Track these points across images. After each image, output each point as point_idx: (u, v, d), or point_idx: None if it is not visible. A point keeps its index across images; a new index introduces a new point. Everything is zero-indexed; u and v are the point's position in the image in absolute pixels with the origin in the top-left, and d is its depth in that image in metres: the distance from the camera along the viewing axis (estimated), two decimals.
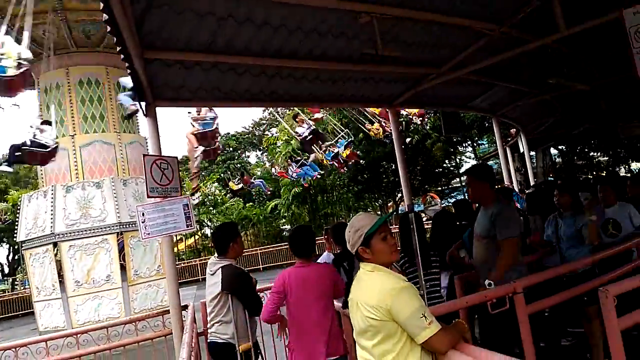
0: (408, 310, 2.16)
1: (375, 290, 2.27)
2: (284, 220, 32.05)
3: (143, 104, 4.72)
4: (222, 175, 34.23)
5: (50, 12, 11.50)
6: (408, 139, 24.76)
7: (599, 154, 24.80)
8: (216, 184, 34.96)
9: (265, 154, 21.64)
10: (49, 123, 10.26)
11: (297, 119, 16.56)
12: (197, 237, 32.50)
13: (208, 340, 4.38)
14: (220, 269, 4.15)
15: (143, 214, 4.62)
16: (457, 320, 2.49)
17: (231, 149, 41.75)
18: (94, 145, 13.11)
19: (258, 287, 5.38)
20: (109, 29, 3.18)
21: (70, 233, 12.15)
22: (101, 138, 13.23)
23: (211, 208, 32.69)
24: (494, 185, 4.36)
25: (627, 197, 5.80)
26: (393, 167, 24.19)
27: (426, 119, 22.33)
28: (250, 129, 44.77)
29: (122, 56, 3.64)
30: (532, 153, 16.47)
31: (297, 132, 16.27)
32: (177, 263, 27.21)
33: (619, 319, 2.89)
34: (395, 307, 2.18)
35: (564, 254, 4.94)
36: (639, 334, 4.42)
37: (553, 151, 22.34)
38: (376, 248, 2.35)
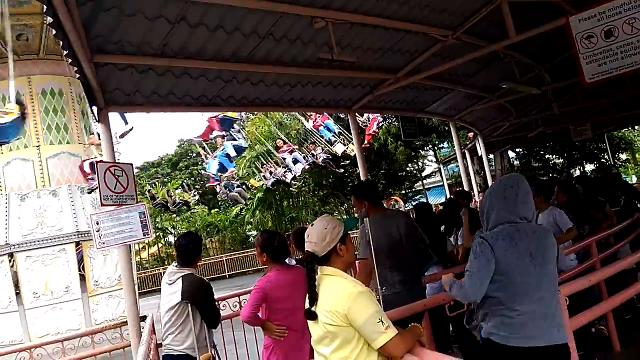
0: (365, 315, 2.16)
1: (332, 295, 2.27)
2: (249, 226, 31.77)
3: (95, 108, 4.61)
4: (185, 181, 33.69)
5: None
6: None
7: (554, 156, 25.66)
8: (179, 190, 34.39)
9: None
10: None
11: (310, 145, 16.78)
12: (160, 245, 31.88)
13: (162, 354, 4.19)
14: (180, 278, 4.03)
15: (97, 223, 4.48)
16: (412, 324, 2.51)
17: (194, 154, 41.19)
18: (60, 157, 12.74)
19: (223, 294, 5.30)
20: (54, 32, 3.09)
21: (26, 243, 11.70)
22: (67, 149, 12.85)
23: (174, 215, 32.12)
24: (373, 202, 4.23)
25: (555, 204, 5.67)
26: (357, 170, 24.39)
27: (382, 124, 22.66)
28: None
29: (69, 60, 3.55)
30: (491, 156, 16.91)
31: (313, 154, 16.39)
32: (140, 272, 26.52)
33: (570, 319, 2.99)
34: (351, 312, 2.18)
35: None
36: None
37: (511, 154, 22.98)
38: (348, 247, 2.42)
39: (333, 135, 17.29)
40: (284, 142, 18.05)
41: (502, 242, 2.53)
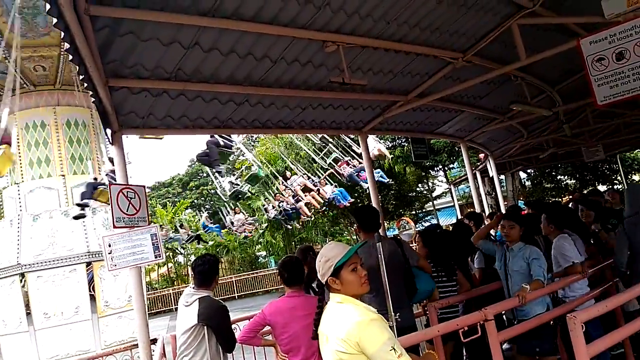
0: (377, 343, 2.12)
1: (344, 322, 2.22)
2: (259, 246, 31.71)
3: (109, 131, 4.67)
4: (195, 201, 33.76)
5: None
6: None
7: (566, 177, 25.46)
8: (189, 210, 34.48)
9: (240, 179, 21.03)
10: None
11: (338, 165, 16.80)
12: (170, 265, 31.87)
13: None
14: (197, 300, 4.02)
15: (109, 245, 4.50)
16: (428, 351, 2.47)
17: (205, 174, 41.42)
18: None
19: (233, 317, 5.24)
20: (70, 57, 3.15)
21: (37, 263, 11.75)
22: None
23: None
24: (363, 227, 4.21)
25: (542, 235, 5.34)
26: (367, 191, 24.33)
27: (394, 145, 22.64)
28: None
29: (85, 84, 3.61)
30: (502, 177, 16.81)
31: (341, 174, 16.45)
32: (149, 292, 26.46)
33: (587, 345, 2.93)
34: (363, 340, 2.14)
35: (512, 289, 4.49)
36: None
37: (522, 175, 22.85)
38: (346, 279, 2.32)
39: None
40: (281, 194, 18.11)
41: None
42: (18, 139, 12.68)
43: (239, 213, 20.11)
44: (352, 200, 17.96)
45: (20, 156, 12.65)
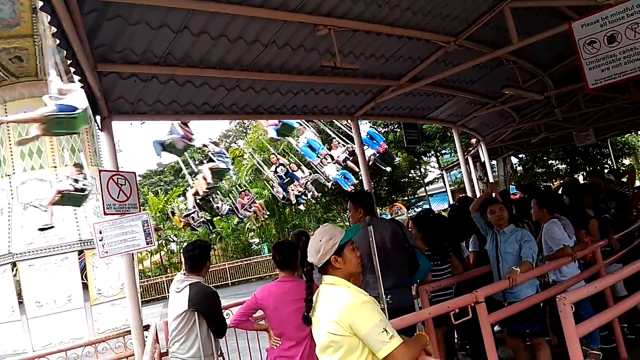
0: (369, 325, 2.14)
1: (336, 304, 2.25)
2: (252, 233, 31.71)
3: (97, 117, 4.61)
4: (186, 189, 33.62)
5: None
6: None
7: (557, 162, 25.60)
8: (181, 197, 34.35)
9: (232, 166, 20.87)
10: None
11: (332, 144, 16.32)
12: (162, 253, 31.82)
13: None
14: (188, 286, 4.03)
15: (100, 232, 4.47)
16: (418, 332, 2.49)
17: (197, 162, 41.30)
18: None
19: (226, 303, 5.26)
20: (57, 41, 3.10)
21: (29, 252, 11.70)
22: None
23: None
24: (367, 210, 4.36)
25: (530, 221, 5.41)
26: (360, 177, 24.36)
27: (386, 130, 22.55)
28: (217, 141, 44.25)
29: (73, 69, 3.56)
30: (494, 162, 16.87)
31: (331, 156, 15.84)
32: (142, 280, 26.42)
33: (577, 326, 2.96)
34: (355, 321, 2.16)
35: (502, 271, 4.50)
36: None
37: (514, 160, 22.94)
38: (347, 257, 2.36)
39: (318, 155, 16.48)
40: (277, 158, 17.56)
41: None
42: (8, 131, 12.64)
43: (247, 195, 19.75)
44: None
45: (10, 148, 12.61)
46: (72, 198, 10.28)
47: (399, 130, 22.31)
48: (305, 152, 16.23)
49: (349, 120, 8.75)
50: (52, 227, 11.09)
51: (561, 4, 5.38)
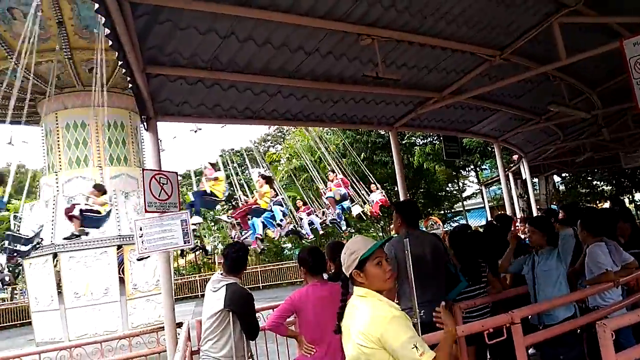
0: (399, 341, 2.11)
1: (366, 317, 2.22)
2: (285, 238, 31.89)
3: (144, 117, 4.76)
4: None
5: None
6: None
7: (602, 183, 24.76)
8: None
9: (268, 171, 21.05)
10: None
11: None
12: (197, 253, 32.35)
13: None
14: (225, 286, 4.08)
15: (141, 229, 4.59)
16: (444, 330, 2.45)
17: (235, 164, 41.82)
18: (121, 178, 13.69)
19: (257, 307, 5.30)
20: (110, 43, 3.23)
21: (70, 244, 12.12)
22: (127, 171, 13.95)
23: (212, 224, 32.61)
24: (407, 220, 4.27)
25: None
26: (395, 189, 24.15)
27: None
28: (256, 145, 44.76)
29: (123, 70, 3.69)
30: (535, 180, 16.46)
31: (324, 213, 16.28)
32: (176, 278, 26.88)
33: (617, 354, 2.84)
34: (385, 336, 2.13)
35: (539, 293, 4.42)
36: None
37: (556, 178, 22.31)
38: (370, 272, 2.31)
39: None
40: (304, 203, 17.66)
41: None
42: (58, 137, 13.49)
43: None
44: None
45: (59, 152, 13.46)
46: (87, 219, 10.37)
47: (437, 142, 22.02)
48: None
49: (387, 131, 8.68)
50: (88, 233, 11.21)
51: (612, 20, 5.22)
